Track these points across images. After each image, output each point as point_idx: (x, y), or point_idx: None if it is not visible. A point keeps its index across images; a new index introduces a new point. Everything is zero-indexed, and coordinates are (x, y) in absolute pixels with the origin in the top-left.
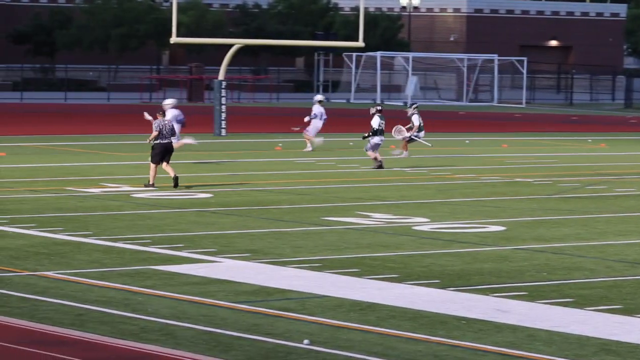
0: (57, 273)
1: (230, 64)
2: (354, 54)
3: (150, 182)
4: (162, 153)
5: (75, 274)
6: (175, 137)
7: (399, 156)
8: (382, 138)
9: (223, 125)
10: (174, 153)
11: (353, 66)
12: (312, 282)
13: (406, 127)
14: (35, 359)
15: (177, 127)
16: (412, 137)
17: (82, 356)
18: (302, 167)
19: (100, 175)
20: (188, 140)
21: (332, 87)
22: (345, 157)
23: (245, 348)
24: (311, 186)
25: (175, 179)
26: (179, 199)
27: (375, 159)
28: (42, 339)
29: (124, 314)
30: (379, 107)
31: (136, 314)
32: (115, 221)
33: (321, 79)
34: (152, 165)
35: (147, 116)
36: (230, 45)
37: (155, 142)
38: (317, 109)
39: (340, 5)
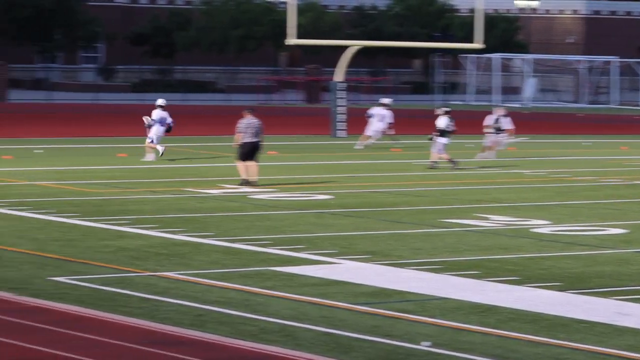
0: (177, 274)
1: (348, 65)
2: (472, 56)
3: (243, 179)
4: (248, 152)
5: (195, 275)
6: (156, 139)
7: (487, 158)
8: (449, 139)
9: (339, 127)
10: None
11: (471, 68)
12: (432, 284)
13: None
14: (156, 358)
15: (161, 129)
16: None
17: (202, 356)
18: (420, 169)
19: (218, 177)
20: (160, 148)
21: (450, 88)
22: (462, 159)
23: (364, 349)
24: (430, 188)
25: (245, 181)
26: (299, 200)
27: (449, 160)
28: (163, 339)
29: (243, 314)
30: (447, 109)
31: (256, 314)
32: (234, 222)
33: (438, 80)
34: (239, 163)
35: (147, 120)
36: (348, 47)
37: (241, 142)
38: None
39: (457, 7)
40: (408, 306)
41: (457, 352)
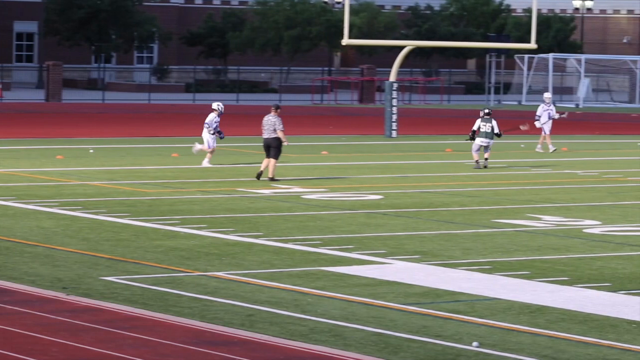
0: (228, 273)
1: (402, 65)
2: (526, 56)
3: (270, 176)
4: (265, 147)
5: (246, 275)
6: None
7: (552, 150)
8: (484, 140)
9: (394, 127)
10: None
11: (525, 68)
12: (482, 284)
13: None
14: (205, 358)
15: (209, 134)
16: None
17: (252, 356)
18: (472, 170)
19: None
20: (199, 146)
21: (503, 88)
22: (516, 159)
23: (414, 350)
24: (481, 188)
25: (260, 173)
26: (350, 200)
27: (477, 161)
28: (212, 339)
29: (293, 314)
30: (486, 110)
31: (305, 314)
32: (285, 222)
33: (493, 80)
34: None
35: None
36: (402, 47)
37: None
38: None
39: (512, 7)
40: (458, 306)
41: (506, 352)
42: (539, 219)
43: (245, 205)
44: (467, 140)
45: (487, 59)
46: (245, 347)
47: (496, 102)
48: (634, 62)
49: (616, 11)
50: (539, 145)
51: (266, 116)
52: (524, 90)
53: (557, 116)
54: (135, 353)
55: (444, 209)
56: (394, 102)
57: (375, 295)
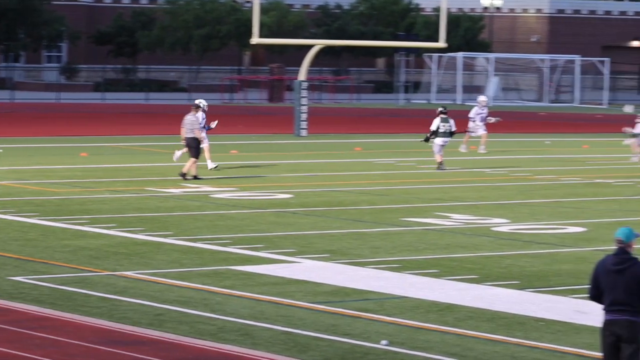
0: (137, 273)
1: (311, 64)
2: (435, 55)
3: (183, 171)
4: (186, 146)
5: (155, 274)
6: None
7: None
8: (446, 140)
9: (303, 126)
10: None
11: (434, 67)
12: (391, 282)
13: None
14: (114, 358)
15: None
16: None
17: (161, 356)
18: (382, 168)
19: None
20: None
21: (413, 87)
22: (425, 158)
23: (322, 348)
24: (390, 187)
25: (183, 174)
26: (259, 200)
27: (440, 162)
28: (121, 338)
29: (202, 314)
30: (441, 109)
31: (215, 314)
32: (194, 221)
33: (402, 79)
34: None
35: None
36: (312, 46)
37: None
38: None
39: (421, 6)
40: (367, 305)
41: (414, 350)
42: (448, 218)
43: (155, 204)
44: (423, 141)
45: (397, 57)
46: (154, 346)
47: (405, 100)
48: (543, 61)
49: (525, 10)
50: (463, 146)
51: (186, 115)
52: (433, 89)
53: (493, 120)
54: (43, 353)
55: (353, 208)
56: (304, 101)
57: (284, 294)
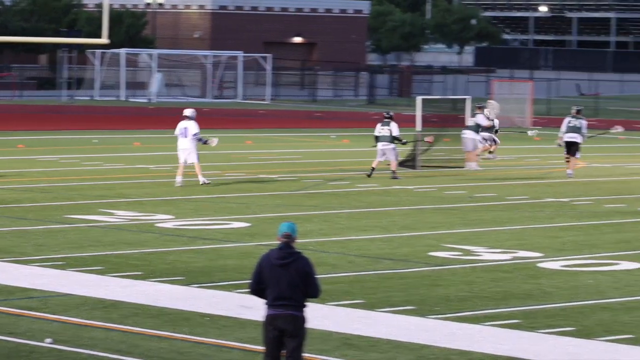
0: None
1: None
2: (98, 51)
3: None
4: None
5: None
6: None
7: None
8: (383, 144)
9: None
10: None
11: (97, 63)
12: (55, 280)
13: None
14: None
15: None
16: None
17: None
18: (45, 165)
19: None
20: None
21: (76, 84)
22: (89, 155)
23: None
24: (53, 184)
25: None
26: None
27: (372, 168)
28: None
29: None
30: (385, 113)
31: None
32: None
33: (65, 76)
34: None
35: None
36: None
37: None
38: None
39: (84, 2)
40: (31, 303)
41: (80, 348)
42: (112, 214)
43: None
44: (373, 147)
45: (59, 54)
46: None
47: (69, 97)
48: (206, 57)
49: (187, 6)
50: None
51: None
52: (97, 85)
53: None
54: None
55: (16, 206)
56: None
57: None
